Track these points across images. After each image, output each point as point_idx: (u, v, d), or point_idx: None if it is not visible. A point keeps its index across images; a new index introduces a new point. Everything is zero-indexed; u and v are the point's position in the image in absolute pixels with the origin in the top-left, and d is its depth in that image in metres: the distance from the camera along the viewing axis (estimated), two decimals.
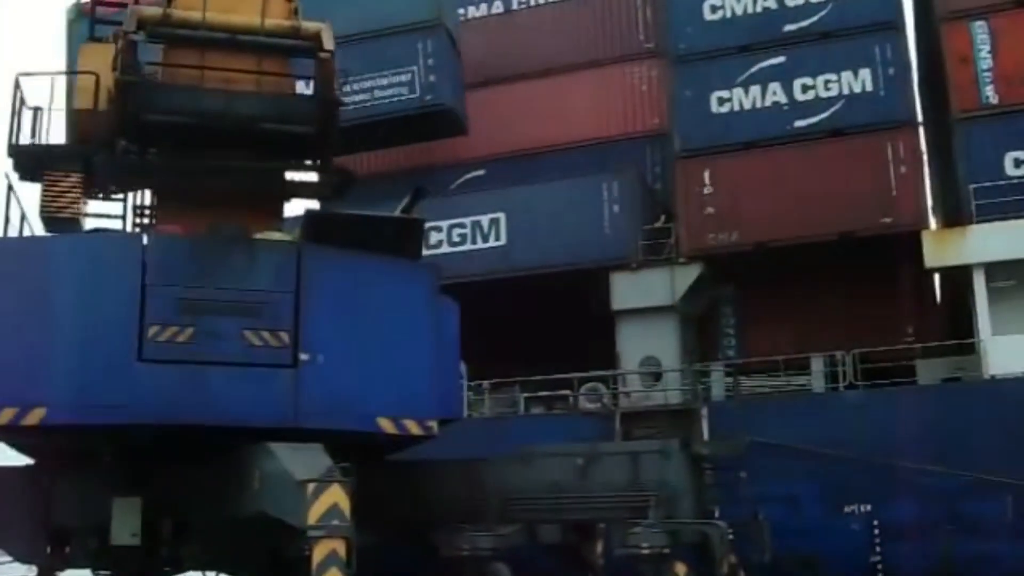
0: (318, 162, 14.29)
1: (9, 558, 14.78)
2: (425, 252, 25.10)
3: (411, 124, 26.68)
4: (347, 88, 25.97)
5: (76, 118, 13.60)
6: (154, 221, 14.67)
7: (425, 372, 13.50)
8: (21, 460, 14.87)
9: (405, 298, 13.51)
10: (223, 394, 12.14)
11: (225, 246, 12.74)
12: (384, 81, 26.63)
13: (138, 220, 14.87)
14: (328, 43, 13.54)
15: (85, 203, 13.85)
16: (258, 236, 13.23)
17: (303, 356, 12.48)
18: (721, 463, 15.97)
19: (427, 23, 26.60)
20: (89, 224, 14.23)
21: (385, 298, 13.29)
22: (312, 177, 14.50)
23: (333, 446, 11.93)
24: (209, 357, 12.19)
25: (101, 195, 14.07)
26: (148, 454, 13.42)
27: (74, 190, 13.32)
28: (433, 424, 13.45)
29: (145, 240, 12.96)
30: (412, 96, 26.45)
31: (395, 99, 26.56)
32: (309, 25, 13.87)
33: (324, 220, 14.16)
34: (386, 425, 12.96)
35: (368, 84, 26.65)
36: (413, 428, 13.20)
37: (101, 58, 13.19)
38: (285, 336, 12.44)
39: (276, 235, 13.53)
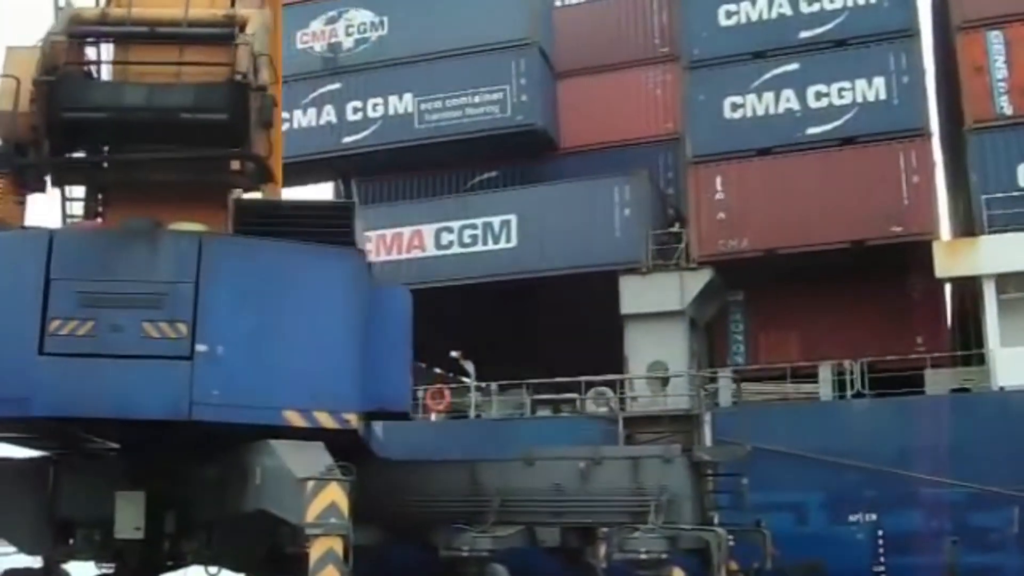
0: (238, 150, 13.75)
1: (14, 548, 14.92)
2: (436, 253, 25.58)
3: (502, 142, 26.67)
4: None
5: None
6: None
7: (343, 362, 13.02)
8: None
9: (320, 285, 13.09)
10: (118, 387, 11.99)
11: (129, 239, 12.67)
12: (477, 99, 26.73)
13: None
14: (251, 28, 13.42)
15: (20, 202, 13.81)
16: (172, 227, 13.11)
17: (200, 347, 12.22)
18: (722, 470, 16.01)
19: (520, 41, 26.64)
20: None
21: (297, 285, 12.92)
22: (232, 166, 14.16)
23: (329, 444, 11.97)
24: (108, 350, 12.05)
25: (29, 193, 14.00)
26: (152, 448, 13.54)
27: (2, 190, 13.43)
28: (351, 417, 12.85)
29: (52, 235, 12.83)
30: (503, 115, 26.47)
31: (487, 117, 26.60)
32: (245, 12, 13.75)
33: (253, 209, 14.00)
34: (293, 418, 12.51)
35: (461, 101, 26.83)
36: (325, 421, 12.66)
37: (28, 62, 13.22)
38: (183, 327, 12.19)
39: (189, 226, 13.33)
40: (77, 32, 13.36)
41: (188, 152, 13.20)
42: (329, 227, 13.56)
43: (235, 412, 12.14)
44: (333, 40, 28.90)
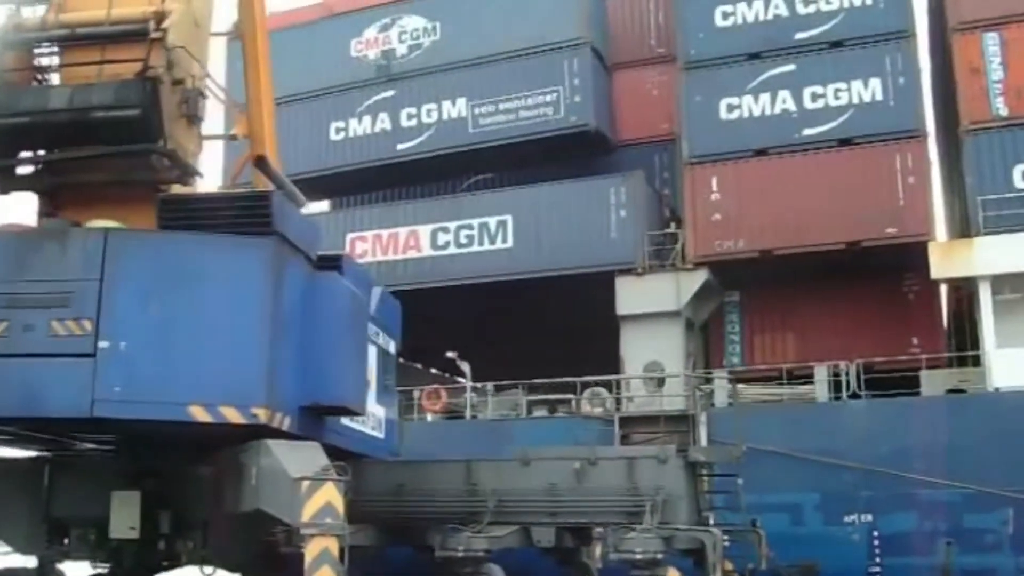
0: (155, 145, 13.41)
1: (8, 548, 14.90)
2: (432, 253, 25.57)
3: (556, 144, 26.53)
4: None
5: None
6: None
7: (253, 355, 12.58)
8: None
9: (229, 276, 12.74)
10: (25, 386, 11.94)
11: (44, 239, 12.64)
12: (530, 101, 26.62)
13: None
14: (168, 22, 13.37)
15: None
16: (86, 225, 13.04)
17: (102, 344, 12.07)
18: (718, 470, 16.02)
19: (574, 41, 26.53)
20: None
21: (205, 278, 12.63)
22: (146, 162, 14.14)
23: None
24: (18, 350, 12.02)
25: None
26: (147, 448, 13.52)
27: None
28: (260, 411, 12.28)
29: None
30: (557, 116, 26.34)
31: (540, 119, 26.47)
32: (170, 7, 13.69)
33: (176, 203, 13.95)
34: (198, 413, 12.13)
35: (514, 104, 26.73)
36: (232, 416, 12.20)
37: None
38: (88, 324, 12.05)
39: (102, 223, 13.18)
40: (5, 41, 13.44)
41: (103, 150, 13.23)
42: (246, 217, 13.38)
43: (138, 408, 11.94)
44: (387, 47, 28.98)
